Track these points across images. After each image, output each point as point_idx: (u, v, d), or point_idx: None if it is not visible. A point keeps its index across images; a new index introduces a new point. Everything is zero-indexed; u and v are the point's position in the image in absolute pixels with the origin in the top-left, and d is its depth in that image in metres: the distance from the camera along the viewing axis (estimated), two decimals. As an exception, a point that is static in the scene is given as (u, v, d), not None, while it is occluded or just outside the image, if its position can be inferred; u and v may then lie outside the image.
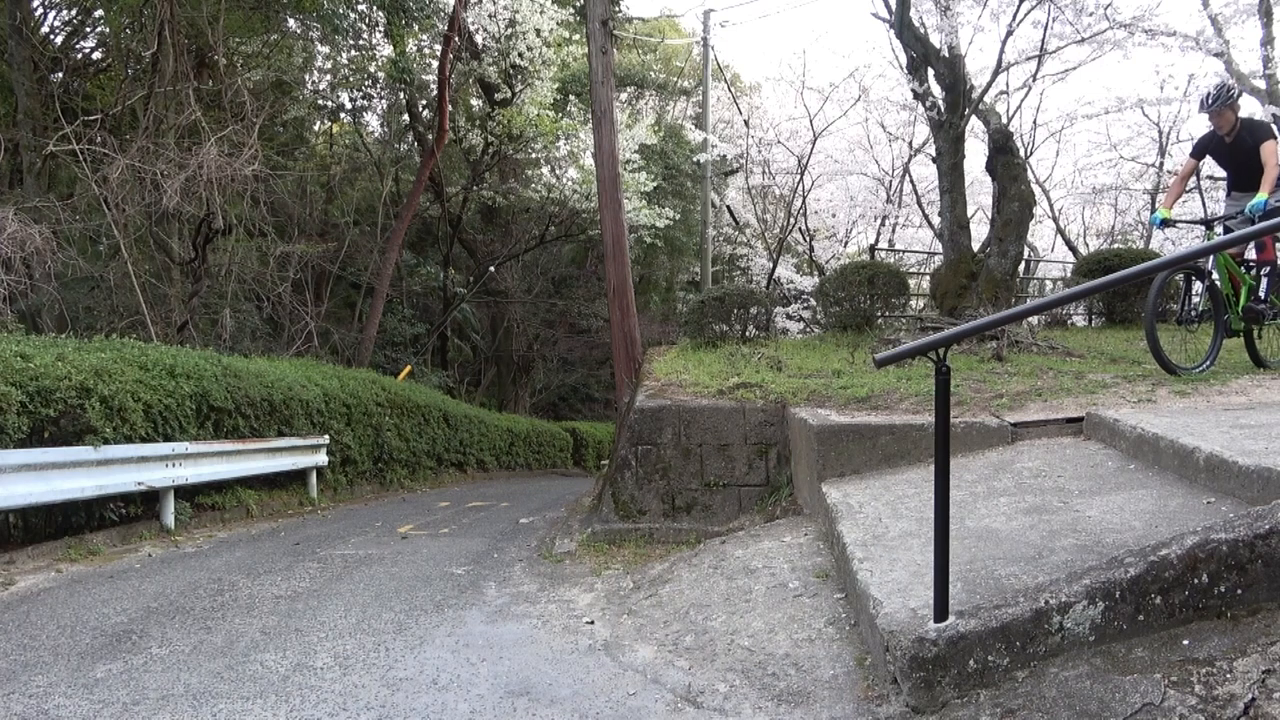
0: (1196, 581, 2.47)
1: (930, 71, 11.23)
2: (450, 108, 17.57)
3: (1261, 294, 5.90)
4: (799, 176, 18.34)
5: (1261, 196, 5.60)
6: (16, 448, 5.53)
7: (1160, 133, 18.73)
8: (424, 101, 19.95)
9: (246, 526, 7.59)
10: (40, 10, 15.39)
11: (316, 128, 21.69)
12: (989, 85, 11.53)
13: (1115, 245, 19.87)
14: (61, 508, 6.12)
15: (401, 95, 19.47)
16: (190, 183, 10.81)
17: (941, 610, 2.56)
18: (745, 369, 7.45)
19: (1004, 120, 13.14)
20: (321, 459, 9.47)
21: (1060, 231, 21.08)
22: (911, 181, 19.39)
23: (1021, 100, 16.54)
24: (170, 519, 6.89)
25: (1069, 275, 13.99)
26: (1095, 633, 2.48)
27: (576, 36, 19.29)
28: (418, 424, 12.67)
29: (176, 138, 11.92)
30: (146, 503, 6.88)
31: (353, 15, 15.38)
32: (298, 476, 9.28)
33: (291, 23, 16.47)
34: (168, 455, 6.77)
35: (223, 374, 8.08)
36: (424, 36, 18.93)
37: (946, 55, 11.05)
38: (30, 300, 10.31)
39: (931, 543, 2.60)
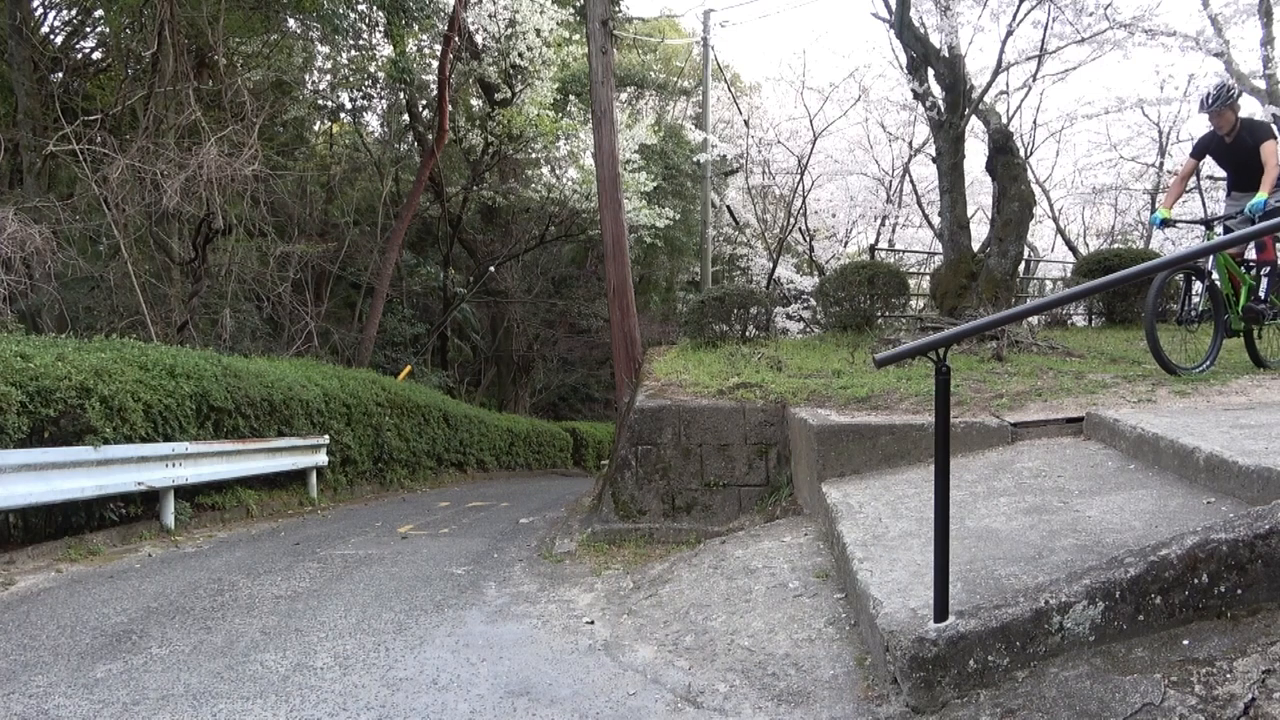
0: (1196, 581, 2.47)
1: (930, 71, 11.23)
2: (450, 108, 17.57)
3: (1261, 294, 5.90)
4: (799, 176, 18.34)
5: (1261, 196, 5.60)
6: (16, 448, 5.53)
7: (1160, 133, 18.75)
8: (424, 101, 19.95)
9: (246, 526, 7.59)
10: (40, 10, 15.40)
11: (316, 128, 21.69)
12: (989, 85, 11.53)
13: (1115, 245, 19.87)
14: (61, 508, 6.12)
15: (401, 95, 19.48)
16: (190, 183, 10.81)
17: (941, 610, 2.56)
18: (745, 369, 7.45)
19: (1004, 120, 13.14)
20: (321, 459, 9.47)
21: (1060, 231, 21.08)
22: (911, 181, 19.39)
23: (1021, 100, 16.56)
24: (170, 519, 6.89)
25: (1069, 275, 13.99)
26: (1095, 633, 2.48)
27: (576, 36, 19.29)
28: (418, 424, 12.67)
29: (176, 138, 11.92)
30: (146, 503, 6.88)
31: (353, 15, 15.39)
32: (298, 476, 9.28)
33: (291, 23, 16.47)
34: (168, 455, 6.77)
35: (223, 374, 8.08)
36: (424, 36, 18.94)
37: (946, 55, 11.05)
38: (30, 300, 10.31)
39: (931, 543, 2.60)
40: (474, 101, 21.28)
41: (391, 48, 16.91)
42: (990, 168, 11.02)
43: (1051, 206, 20.35)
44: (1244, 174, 6.03)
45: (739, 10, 63.51)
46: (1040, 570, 2.83)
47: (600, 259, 16.64)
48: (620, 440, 7.05)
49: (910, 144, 18.62)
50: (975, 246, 11.61)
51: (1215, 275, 5.72)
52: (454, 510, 9.13)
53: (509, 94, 18.69)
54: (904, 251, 19.69)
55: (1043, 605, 2.50)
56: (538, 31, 17.87)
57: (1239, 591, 2.45)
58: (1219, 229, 6.01)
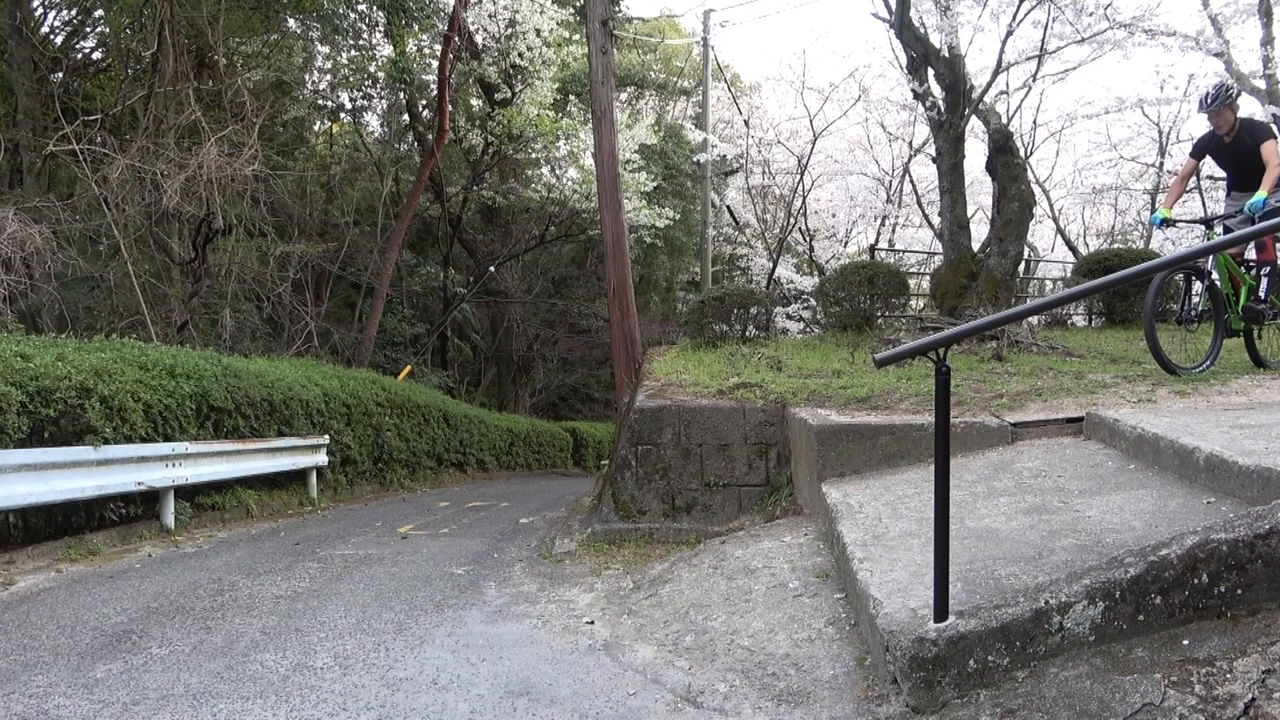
0: (1196, 581, 2.47)
1: (930, 71, 11.23)
2: (450, 108, 17.57)
3: (1261, 294, 5.90)
4: (799, 176, 18.34)
5: (1261, 195, 5.59)
6: (16, 448, 5.53)
7: (1160, 133, 18.75)
8: (424, 101, 19.95)
9: (246, 526, 7.59)
10: (40, 10, 15.40)
11: (316, 128, 21.69)
12: (989, 85, 11.53)
13: (1115, 245, 19.87)
14: (61, 508, 6.11)
15: (401, 95, 19.48)
16: (190, 183, 10.81)
17: (941, 610, 2.56)
18: (745, 369, 7.45)
19: (1004, 120, 13.14)
20: (321, 459, 9.47)
21: (1060, 231, 21.08)
22: (911, 181, 19.40)
23: (1021, 100, 16.56)
24: (170, 519, 6.89)
25: (1069, 275, 13.99)
26: (1095, 633, 2.48)
27: (576, 36, 19.29)
28: (418, 424, 12.67)
29: (176, 138, 11.92)
30: (146, 503, 6.88)
31: (353, 15, 15.39)
32: (298, 476, 9.28)
33: (291, 23, 16.47)
34: (168, 455, 6.77)
35: (223, 374, 8.08)
36: (424, 36, 18.94)
37: (946, 55, 11.05)
38: (30, 300, 10.31)
39: (931, 543, 2.60)
40: (474, 101, 21.28)
41: (391, 48, 16.91)
42: (990, 168, 11.02)
43: (1051, 206, 20.36)
44: (1244, 174, 6.03)
45: (739, 10, 63.56)
46: (1040, 570, 2.83)
47: (600, 259, 16.64)
48: (620, 440, 7.05)
49: (910, 144, 18.62)
50: (975, 246, 11.61)
51: (1215, 275, 5.72)
52: (454, 510, 9.13)
53: (509, 94, 18.69)
54: (904, 251, 19.70)
55: (1043, 605, 2.50)
56: (538, 31, 17.88)
57: (1239, 591, 2.45)
58: (1219, 229, 6.01)
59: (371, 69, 18.51)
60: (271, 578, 5.22)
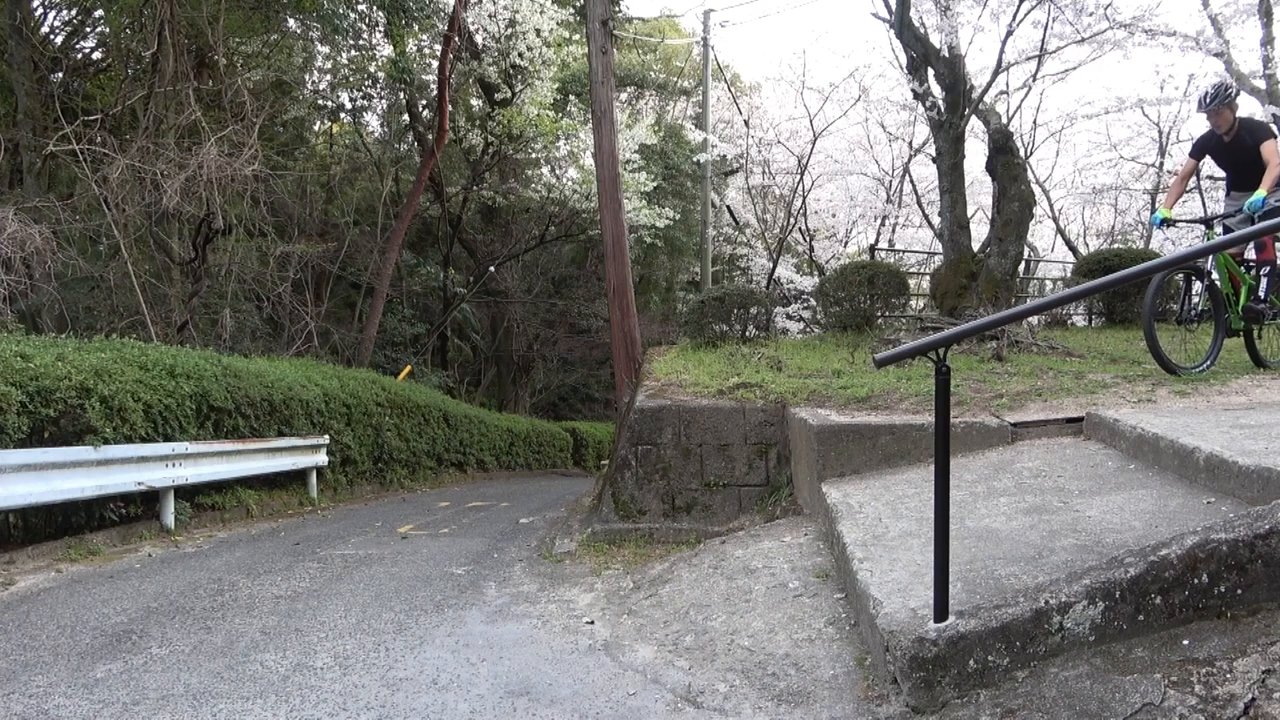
0: (1196, 581, 2.47)
1: (930, 71, 11.23)
2: (450, 108, 17.57)
3: (1261, 294, 5.90)
4: (799, 176, 18.34)
5: (1260, 194, 5.59)
6: (16, 448, 5.53)
7: (1160, 133, 18.75)
8: (424, 101, 19.95)
9: (246, 526, 7.59)
10: (40, 10, 15.40)
11: (316, 128, 21.70)
12: (989, 85, 11.53)
13: (1115, 245, 19.87)
14: (61, 508, 6.11)
15: (401, 95, 19.48)
16: (190, 183, 10.81)
17: (941, 610, 2.56)
18: (745, 369, 7.45)
19: (1004, 120, 13.14)
20: (321, 459, 9.47)
21: (1060, 231, 21.08)
22: (911, 181, 19.40)
23: (1021, 100, 16.56)
24: (170, 519, 6.89)
25: (1069, 275, 13.99)
26: (1095, 633, 2.48)
27: (576, 36, 19.29)
28: (418, 424, 12.67)
29: (176, 138, 11.92)
30: (146, 503, 6.88)
31: (353, 15, 15.39)
32: (298, 476, 9.28)
33: (291, 23, 16.47)
34: (168, 455, 6.77)
35: (223, 374, 8.08)
36: (424, 36, 18.94)
37: (946, 55, 11.05)
38: (30, 300, 10.31)
39: (931, 543, 2.60)
40: (474, 101, 21.28)
41: (391, 48, 16.92)
42: (990, 168, 11.02)
43: (1051, 206, 20.36)
44: (1243, 173, 6.03)
45: (739, 10, 63.57)
46: (1040, 570, 2.83)
47: (600, 259, 16.64)
48: (620, 440, 7.05)
49: (910, 144, 18.62)
50: (975, 246, 11.61)
51: (1215, 275, 5.72)
52: (454, 510, 9.13)
53: (509, 94, 18.69)
54: (904, 251, 19.70)
55: (1043, 605, 2.50)
56: (538, 31, 17.88)
57: (1239, 591, 2.45)
58: (1218, 228, 6.01)
59: (371, 69, 18.52)
60: (271, 578, 5.22)
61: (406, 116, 20.84)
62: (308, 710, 3.03)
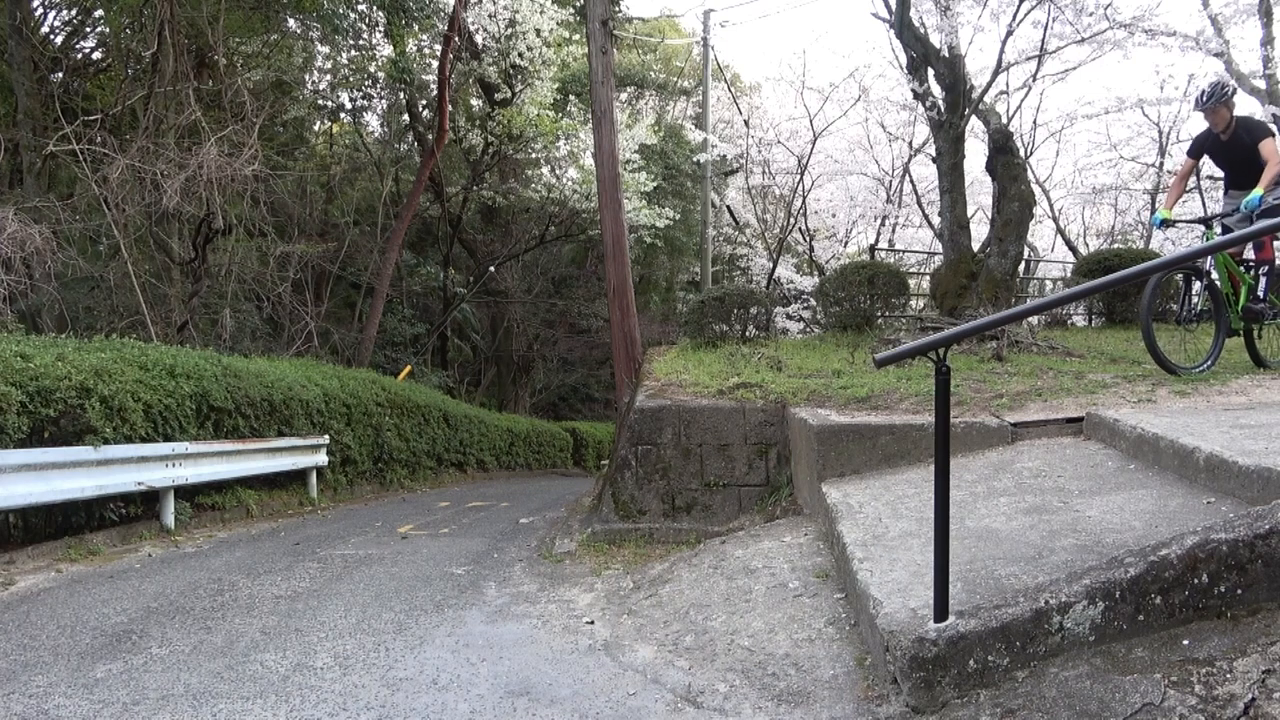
0: (1196, 581, 2.47)
1: (930, 71, 11.23)
2: (450, 108, 17.57)
3: (1260, 293, 5.89)
4: (799, 176, 18.34)
5: (1257, 193, 5.59)
6: (16, 448, 5.53)
7: (1160, 133, 18.75)
8: (424, 101, 19.95)
9: (246, 526, 7.59)
10: (40, 10, 15.40)
11: (316, 128, 21.70)
12: (989, 85, 11.53)
13: (1115, 245, 19.87)
14: (61, 508, 6.11)
15: (401, 95, 19.48)
16: (190, 183, 10.81)
17: (941, 610, 2.56)
18: (745, 369, 7.45)
19: (1004, 120, 13.14)
20: (321, 459, 9.47)
21: (1060, 231, 21.08)
22: (911, 181, 19.40)
23: (1021, 100, 16.56)
24: (170, 519, 6.89)
25: (1069, 275, 13.99)
26: (1095, 633, 2.48)
27: (576, 36, 19.29)
28: (418, 424, 12.67)
29: (176, 138, 11.92)
30: (146, 503, 6.88)
31: (353, 15, 15.39)
32: (298, 476, 9.28)
33: (291, 23, 16.47)
34: (168, 455, 6.77)
35: (223, 374, 8.08)
36: (424, 36, 18.94)
37: (946, 55, 11.05)
38: (30, 300, 10.31)
39: (931, 543, 2.60)
40: (474, 101, 21.28)
41: (391, 48, 16.92)
42: (990, 168, 11.02)
43: (1051, 206, 20.36)
44: (1241, 172, 6.02)
45: (739, 10, 63.57)
46: (1040, 570, 2.83)
47: (600, 259, 16.64)
48: (620, 440, 7.05)
49: (910, 144, 18.62)
50: (975, 246, 11.61)
51: (1214, 274, 5.72)
52: (454, 510, 9.13)
53: (509, 94, 18.69)
54: (904, 251, 19.70)
55: (1043, 605, 2.49)
56: (538, 31, 17.88)
57: (1239, 591, 2.45)
58: (1217, 228, 6.01)
59: (371, 69, 18.52)
60: (271, 578, 5.22)
61: (406, 116, 20.85)
62: (308, 710, 3.03)
